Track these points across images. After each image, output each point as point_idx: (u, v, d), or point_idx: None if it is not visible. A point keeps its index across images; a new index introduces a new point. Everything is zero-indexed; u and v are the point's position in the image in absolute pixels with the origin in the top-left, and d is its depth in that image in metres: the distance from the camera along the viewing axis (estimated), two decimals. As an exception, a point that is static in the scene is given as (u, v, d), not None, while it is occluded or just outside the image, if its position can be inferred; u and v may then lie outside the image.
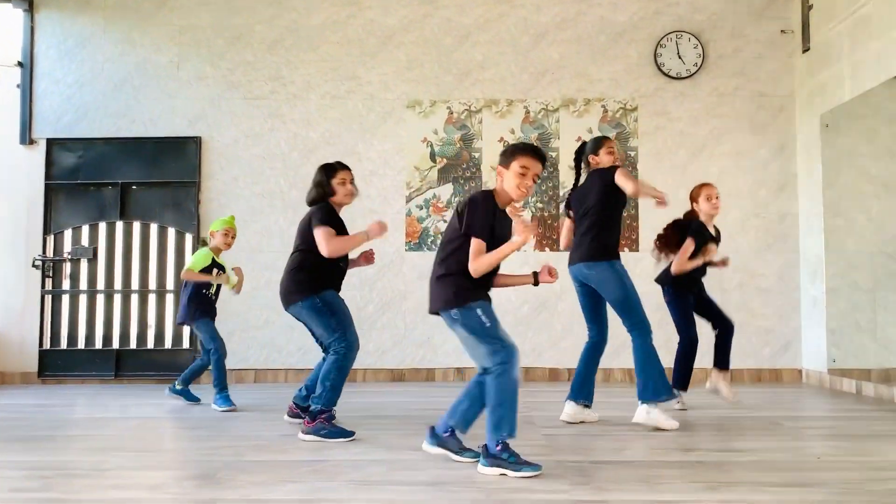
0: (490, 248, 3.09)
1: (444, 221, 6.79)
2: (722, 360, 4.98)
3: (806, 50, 6.57)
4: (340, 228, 4.10)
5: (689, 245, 4.74)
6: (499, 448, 2.99)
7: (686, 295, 4.96)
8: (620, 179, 4.13)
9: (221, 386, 5.01)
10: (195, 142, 6.87)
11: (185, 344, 6.75)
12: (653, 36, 6.83)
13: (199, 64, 6.95)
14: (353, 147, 6.83)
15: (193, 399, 5.25)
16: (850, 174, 6.43)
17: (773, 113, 6.77)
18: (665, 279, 4.97)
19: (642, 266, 6.67)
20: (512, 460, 2.96)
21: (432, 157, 6.84)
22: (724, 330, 5.00)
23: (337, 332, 3.95)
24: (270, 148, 6.86)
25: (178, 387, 5.26)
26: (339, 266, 4.17)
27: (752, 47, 6.80)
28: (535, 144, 3.25)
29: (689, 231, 4.80)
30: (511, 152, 3.16)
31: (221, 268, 5.24)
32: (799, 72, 6.71)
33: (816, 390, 6.03)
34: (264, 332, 6.64)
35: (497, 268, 3.21)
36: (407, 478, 2.98)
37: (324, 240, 3.95)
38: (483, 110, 6.85)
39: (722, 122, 6.78)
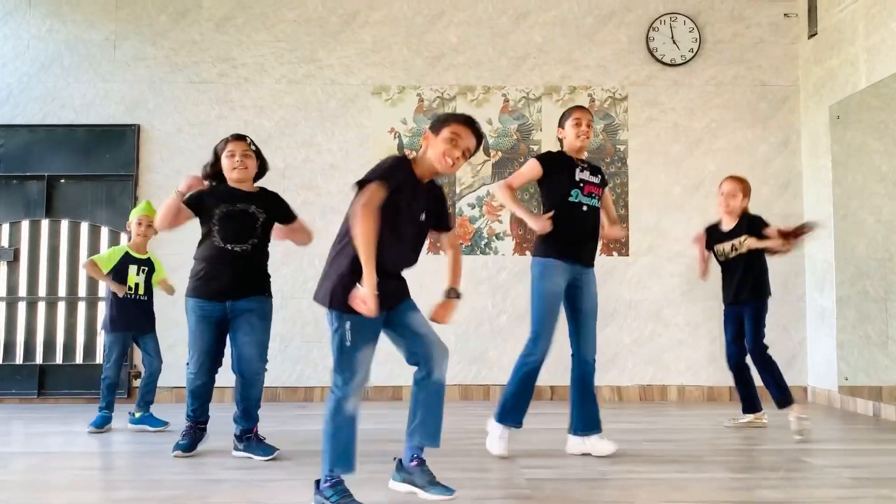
0: (391, 228, 2.58)
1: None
2: (776, 392, 4.39)
3: (812, 35, 5.97)
4: (214, 207, 3.59)
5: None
6: (326, 485, 2.58)
7: (727, 308, 4.58)
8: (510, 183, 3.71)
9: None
10: (133, 130, 6.09)
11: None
12: (645, 18, 6.19)
13: (138, 43, 6.18)
14: (311, 137, 6.11)
15: (158, 424, 4.51)
16: (860, 172, 5.83)
17: (776, 104, 6.17)
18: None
19: (633, 271, 6.03)
20: (334, 498, 2.54)
21: (400, 149, 6.14)
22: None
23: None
24: (218, 137, 5.85)
25: (136, 415, 4.52)
26: (219, 247, 3.59)
27: (752, 32, 6.19)
28: (469, 116, 2.74)
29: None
30: (444, 119, 2.76)
31: (145, 263, 4.51)
32: (804, 59, 6.11)
33: (827, 411, 5.42)
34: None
35: (408, 260, 2.76)
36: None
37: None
38: (457, 98, 6.16)
39: (720, 113, 6.16)
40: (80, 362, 6.02)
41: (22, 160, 6.09)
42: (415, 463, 2.70)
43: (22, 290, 6.06)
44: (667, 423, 4.86)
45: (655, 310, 6.01)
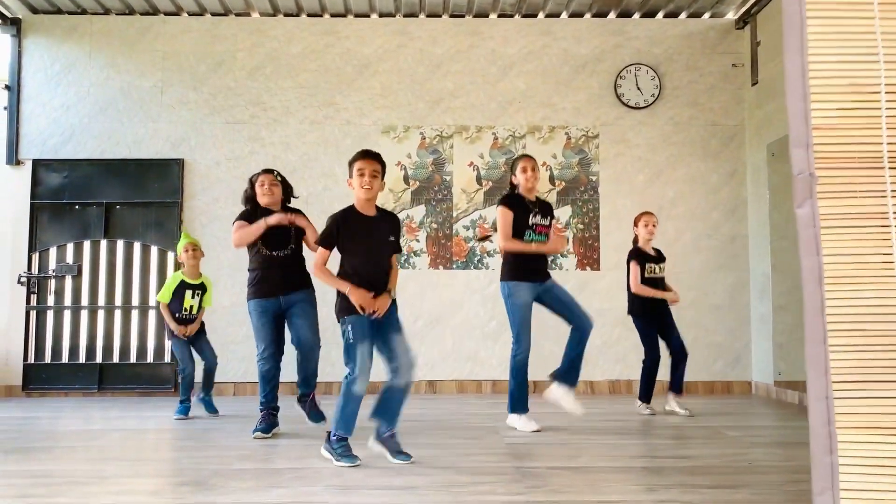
0: (353, 251, 3.68)
1: (417, 241, 7.15)
2: (675, 384, 5.54)
3: (755, 83, 7.05)
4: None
5: (633, 268, 5.56)
6: (334, 438, 3.65)
7: (645, 317, 5.57)
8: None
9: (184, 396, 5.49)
10: (178, 164, 7.15)
11: (167, 358, 7.01)
12: (613, 68, 7.28)
13: (181, 89, 7.25)
14: (329, 169, 7.17)
15: (213, 410, 5.58)
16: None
17: (725, 141, 7.25)
18: (630, 303, 5.64)
19: (604, 283, 7.09)
20: (338, 450, 3.63)
21: (406, 179, 7.20)
22: (675, 357, 5.54)
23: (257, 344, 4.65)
24: (251, 170, 7.05)
25: (202, 395, 5.61)
26: (266, 255, 4.62)
27: (705, 79, 7.28)
28: (367, 149, 3.82)
29: (628, 256, 5.62)
30: (349, 163, 3.74)
31: (199, 287, 5.55)
32: (748, 103, 7.20)
33: (764, 401, 6.47)
34: (243, 347, 6.91)
35: (382, 276, 3.71)
36: (383, 483, 3.32)
37: (233, 232, 4.64)
38: (454, 136, 7.24)
39: (677, 148, 7.23)
40: (134, 361, 7.07)
41: (84, 189, 7.15)
42: (389, 434, 3.72)
43: (84, 300, 7.11)
44: (624, 409, 5.91)
45: (622, 316, 7.04)
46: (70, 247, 7.17)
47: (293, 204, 4.95)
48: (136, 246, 7.18)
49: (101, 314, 7.12)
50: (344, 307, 3.62)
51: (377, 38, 7.30)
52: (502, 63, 7.30)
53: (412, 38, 7.31)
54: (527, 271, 4.69)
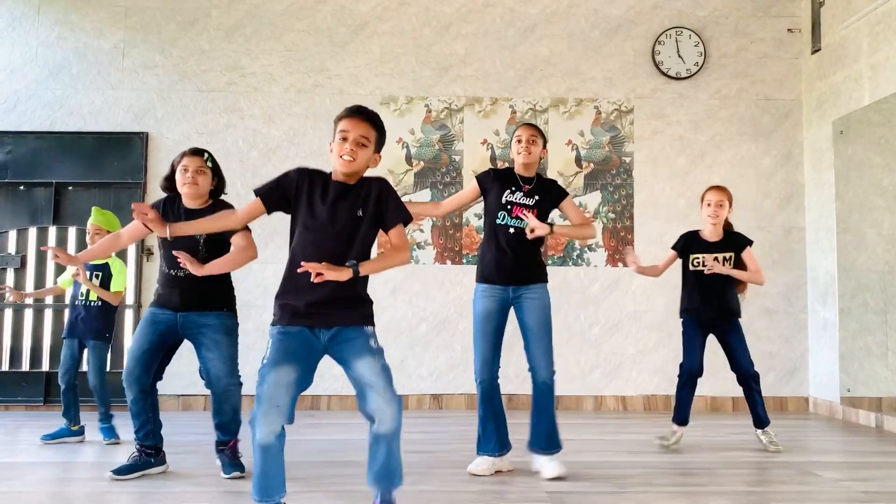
0: (305, 224, 2.48)
1: (421, 231, 6.13)
2: (753, 416, 4.40)
3: (816, 50, 6.05)
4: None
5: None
6: None
7: (688, 321, 4.42)
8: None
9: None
10: (141, 138, 6.10)
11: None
12: (650, 32, 6.26)
13: (146, 51, 6.19)
14: (319, 147, 6.14)
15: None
16: (861, 186, 5.92)
17: (779, 118, 6.25)
18: (680, 301, 4.50)
19: (638, 282, 6.08)
20: None
21: (408, 159, 6.18)
22: (741, 382, 4.42)
23: None
24: (227, 146, 6.12)
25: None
26: (166, 273, 3.50)
27: (756, 47, 6.28)
28: (360, 106, 2.58)
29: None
30: (334, 121, 2.59)
31: (100, 269, 4.46)
32: (807, 74, 6.20)
33: (829, 423, 5.49)
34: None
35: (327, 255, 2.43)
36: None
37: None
38: (465, 109, 6.21)
39: (724, 126, 6.23)
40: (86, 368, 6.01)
41: (29, 167, 6.09)
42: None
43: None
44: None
45: (660, 321, 6.07)
46: (12, 234, 6.10)
47: (226, 199, 3.65)
48: (91, 234, 6.12)
49: (48, 314, 6.05)
50: (275, 312, 2.48)
51: (376, -6, 6.27)
52: (522, 25, 6.27)
53: (417, -5, 6.28)
54: (489, 270, 3.61)
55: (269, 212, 2.54)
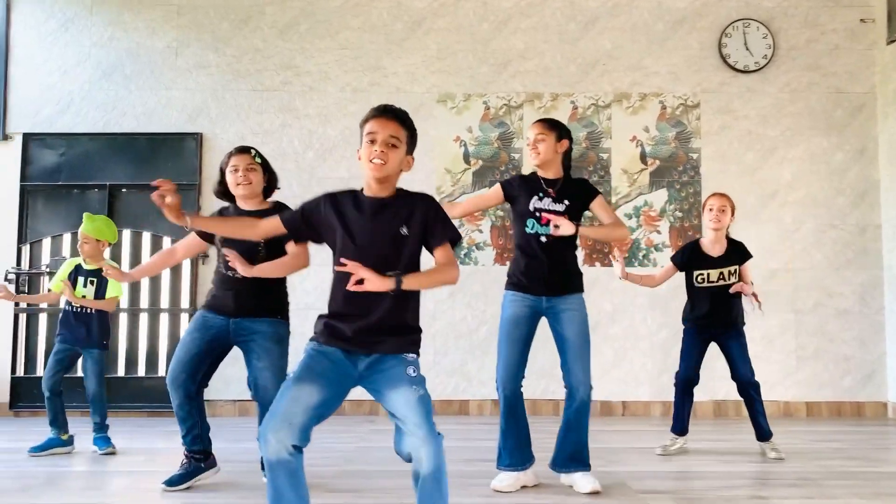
0: (344, 248, 2.23)
1: (480, 231, 5.96)
2: (756, 429, 4.20)
3: (892, 41, 5.81)
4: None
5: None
6: None
7: (690, 329, 4.28)
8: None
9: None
10: (195, 139, 6.00)
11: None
12: (717, 24, 6.05)
13: (200, 50, 6.09)
14: (376, 146, 5.97)
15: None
16: (941, 181, 5.67)
17: (852, 112, 6.01)
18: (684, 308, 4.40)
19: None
20: None
21: (466, 158, 6.02)
22: (741, 392, 4.22)
23: None
24: (282, 146, 6.00)
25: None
26: (223, 273, 3.37)
27: (827, 38, 6.04)
28: (385, 105, 2.34)
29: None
30: (360, 124, 2.36)
31: (94, 274, 4.28)
32: (882, 66, 5.96)
33: (913, 429, 5.24)
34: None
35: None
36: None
37: None
38: (524, 105, 6.04)
39: (794, 121, 6.00)
40: (142, 374, 5.92)
41: (83, 169, 6.01)
42: None
43: (84, 302, 5.96)
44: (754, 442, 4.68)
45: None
46: (67, 237, 6.01)
47: (276, 197, 3.55)
48: (146, 236, 6.03)
49: (122, 318, 5.94)
50: (316, 327, 2.27)
51: (433, -11, 6.11)
52: (583, 18, 6.09)
53: (474, -11, 6.11)
54: (521, 278, 3.37)
55: (294, 239, 2.44)
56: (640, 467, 3.86)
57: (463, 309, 5.92)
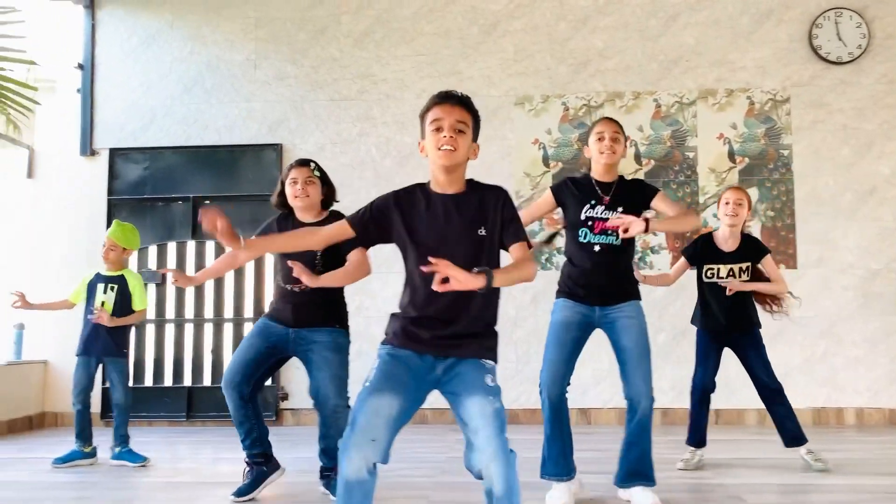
0: (415, 250, 2.12)
1: (561, 236, 5.79)
2: (782, 435, 3.91)
3: None
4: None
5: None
6: None
7: (704, 333, 3.98)
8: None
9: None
10: (275, 149, 6.04)
11: (268, 381, 5.86)
12: (806, 15, 5.81)
13: (278, 62, 6.13)
14: (454, 152, 5.91)
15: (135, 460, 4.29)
16: None
17: (956, 101, 5.69)
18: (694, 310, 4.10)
19: (802, 285, 5.60)
20: None
21: (545, 160, 5.90)
22: (763, 397, 3.92)
23: None
24: (360, 155, 6.00)
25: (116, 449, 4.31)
26: (282, 287, 3.34)
27: (926, 24, 5.74)
28: (447, 91, 2.18)
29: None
30: (420, 115, 2.22)
31: (114, 281, 4.31)
32: None
33: None
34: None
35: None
36: None
37: None
38: (605, 105, 5.89)
39: (892, 113, 5.71)
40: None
41: (167, 182, 6.11)
42: None
43: (169, 313, 6.05)
44: (866, 452, 4.42)
45: (827, 326, 5.58)
46: (152, 249, 6.12)
47: (336, 208, 3.51)
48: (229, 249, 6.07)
49: (189, 329, 6.03)
50: (387, 329, 2.19)
51: (508, -9, 6.03)
52: (664, 13, 5.92)
53: (551, -11, 6.01)
54: (573, 287, 3.21)
55: (362, 242, 2.31)
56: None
57: (546, 315, 5.74)
